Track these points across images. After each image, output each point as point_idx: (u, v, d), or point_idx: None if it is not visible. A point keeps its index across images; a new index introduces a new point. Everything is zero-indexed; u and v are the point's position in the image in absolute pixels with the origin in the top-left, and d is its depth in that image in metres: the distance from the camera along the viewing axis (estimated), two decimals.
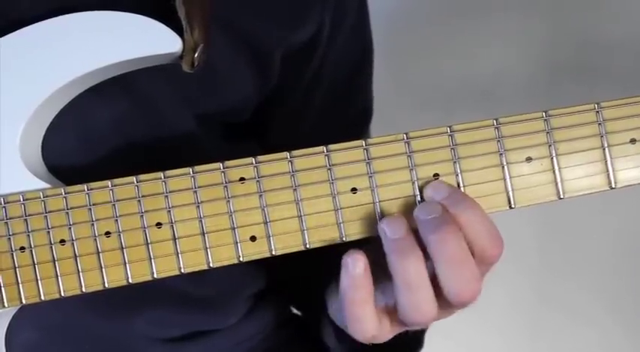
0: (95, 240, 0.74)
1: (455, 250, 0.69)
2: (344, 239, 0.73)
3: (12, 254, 0.74)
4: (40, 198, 0.74)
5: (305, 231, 0.73)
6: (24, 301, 0.75)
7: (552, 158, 0.72)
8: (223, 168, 0.73)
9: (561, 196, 0.72)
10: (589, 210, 1.57)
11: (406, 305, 0.70)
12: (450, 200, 0.71)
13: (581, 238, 1.60)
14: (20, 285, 0.75)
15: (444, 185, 0.72)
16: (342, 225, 0.73)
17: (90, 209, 0.74)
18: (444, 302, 0.71)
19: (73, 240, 0.74)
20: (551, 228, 1.61)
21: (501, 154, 0.72)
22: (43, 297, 0.75)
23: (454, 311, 0.74)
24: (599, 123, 0.72)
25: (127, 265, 0.74)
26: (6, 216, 0.74)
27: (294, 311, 1.08)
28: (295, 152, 0.73)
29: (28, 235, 0.74)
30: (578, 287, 1.62)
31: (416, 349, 0.88)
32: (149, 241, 0.74)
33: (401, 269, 0.69)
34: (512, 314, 1.64)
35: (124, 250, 0.74)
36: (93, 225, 0.74)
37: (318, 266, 0.80)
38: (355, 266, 0.70)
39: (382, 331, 0.73)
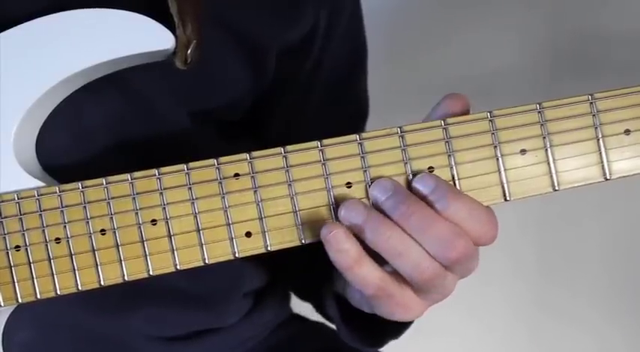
0: (90, 237, 0.74)
1: (419, 221, 0.69)
2: None
3: (7, 253, 0.74)
4: (34, 196, 0.74)
5: (300, 226, 0.73)
6: (20, 300, 0.75)
7: (547, 150, 0.72)
8: (218, 165, 0.73)
9: (556, 188, 0.72)
10: (587, 215, 1.57)
11: (406, 270, 0.70)
12: (435, 195, 0.70)
13: (579, 243, 1.60)
14: (16, 284, 0.74)
15: (432, 178, 0.71)
16: (337, 219, 0.72)
17: (85, 207, 0.74)
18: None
19: (68, 238, 0.74)
20: (549, 234, 1.60)
21: (495, 147, 0.72)
22: (38, 296, 0.74)
23: (459, 273, 0.73)
24: (594, 115, 0.72)
25: (123, 263, 0.74)
26: (0, 215, 0.74)
27: (294, 311, 1.08)
28: (289, 147, 0.73)
29: (23, 234, 0.74)
30: (576, 293, 1.62)
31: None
32: (144, 238, 0.73)
33: (381, 245, 0.70)
34: (511, 319, 1.64)
35: (120, 248, 0.74)
36: (88, 222, 0.74)
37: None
38: (337, 240, 0.70)
39: (401, 294, 0.73)
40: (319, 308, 0.99)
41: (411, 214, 0.69)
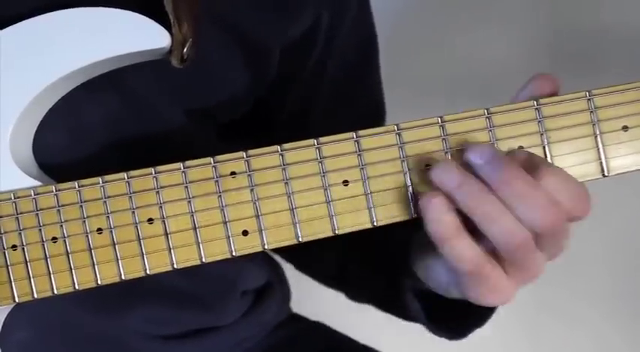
0: (87, 236, 0.74)
1: (519, 188, 0.67)
2: (336, 231, 0.72)
3: (4, 252, 0.74)
4: (30, 195, 0.74)
5: (297, 224, 0.73)
6: (17, 299, 0.75)
7: (544, 147, 0.72)
8: (214, 163, 0.73)
9: None
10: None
11: (498, 237, 0.68)
12: (528, 166, 0.69)
13: (578, 243, 1.59)
14: (12, 283, 0.74)
15: (524, 151, 0.71)
16: (334, 217, 0.72)
17: (81, 206, 0.74)
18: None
19: (64, 237, 0.74)
20: None
21: (493, 144, 0.72)
22: (35, 295, 0.74)
23: (549, 249, 0.71)
24: (591, 111, 0.72)
25: (120, 261, 0.73)
26: None
27: (294, 310, 1.08)
28: (286, 145, 0.73)
29: (20, 233, 0.74)
30: (575, 293, 1.62)
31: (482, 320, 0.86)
32: (141, 237, 0.73)
33: (476, 210, 0.68)
34: (509, 319, 1.64)
35: (116, 246, 0.73)
36: (84, 222, 0.74)
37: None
38: (436, 209, 0.68)
39: (494, 274, 0.71)
40: (391, 305, 0.96)
41: (512, 179, 0.67)
